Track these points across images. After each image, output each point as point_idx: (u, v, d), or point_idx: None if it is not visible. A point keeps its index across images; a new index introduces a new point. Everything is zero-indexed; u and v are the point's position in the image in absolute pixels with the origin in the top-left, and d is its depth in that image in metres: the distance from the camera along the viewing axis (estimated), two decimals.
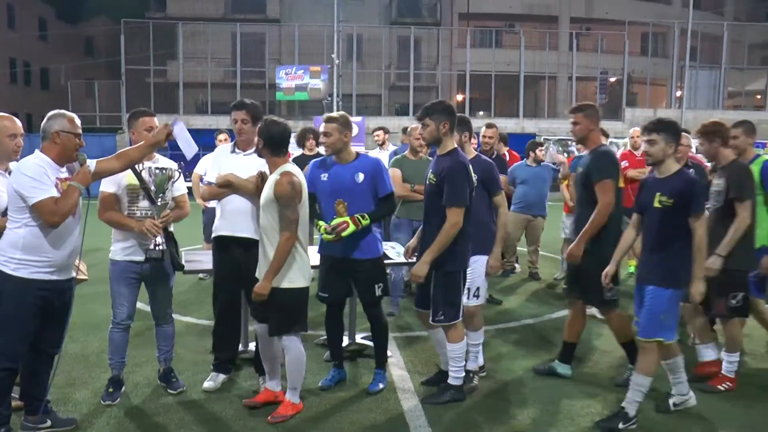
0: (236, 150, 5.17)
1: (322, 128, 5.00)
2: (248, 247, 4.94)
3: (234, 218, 5.03)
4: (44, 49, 40.31)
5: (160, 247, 4.78)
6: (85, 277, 5.03)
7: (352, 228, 4.83)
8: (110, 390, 4.98)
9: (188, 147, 4.58)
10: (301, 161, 8.15)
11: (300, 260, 4.58)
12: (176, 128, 4.51)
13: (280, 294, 4.51)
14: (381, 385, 5.21)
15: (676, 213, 4.33)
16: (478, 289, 5.25)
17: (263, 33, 32.20)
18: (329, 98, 28.34)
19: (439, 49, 34.00)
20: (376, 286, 5.08)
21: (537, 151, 9.23)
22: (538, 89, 34.22)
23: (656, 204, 4.41)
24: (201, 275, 8.67)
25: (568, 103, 31.38)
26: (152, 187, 4.78)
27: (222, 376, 5.29)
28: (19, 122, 4.57)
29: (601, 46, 33.14)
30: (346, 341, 5.90)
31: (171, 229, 4.99)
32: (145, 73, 30.02)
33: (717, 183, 5.14)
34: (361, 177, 4.91)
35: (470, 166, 4.79)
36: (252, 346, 5.70)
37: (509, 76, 30.82)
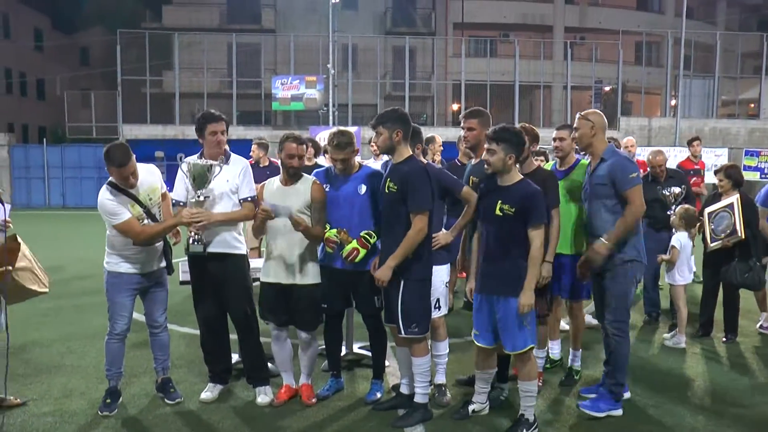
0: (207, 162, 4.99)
1: (333, 155, 4.95)
2: (224, 260, 5.02)
3: (209, 235, 4.95)
4: (40, 60, 40.35)
5: (199, 241, 4.85)
6: (46, 290, 5.04)
7: (363, 253, 4.82)
8: (108, 401, 4.98)
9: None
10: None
11: (317, 259, 5.07)
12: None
13: (311, 290, 5.00)
14: (378, 395, 5.21)
15: (517, 222, 4.38)
16: (438, 300, 5.12)
17: (259, 43, 32.11)
18: (325, 108, 28.23)
19: (434, 58, 33.88)
20: (376, 298, 5.04)
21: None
22: (534, 98, 34.35)
23: (497, 212, 4.44)
24: None
25: (564, 112, 31.44)
26: (191, 182, 4.79)
27: (219, 387, 5.30)
28: None
29: (596, 56, 33.07)
30: (343, 351, 5.91)
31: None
32: (142, 83, 29.84)
33: None
34: (363, 189, 4.93)
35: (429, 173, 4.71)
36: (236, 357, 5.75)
37: (504, 85, 30.66)
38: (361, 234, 4.82)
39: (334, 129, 5.14)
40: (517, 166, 4.61)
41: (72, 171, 26.27)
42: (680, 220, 6.67)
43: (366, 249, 4.82)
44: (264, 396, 5.15)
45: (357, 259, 4.79)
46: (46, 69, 39.11)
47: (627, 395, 5.18)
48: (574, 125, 5.07)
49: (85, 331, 6.71)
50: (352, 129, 25.60)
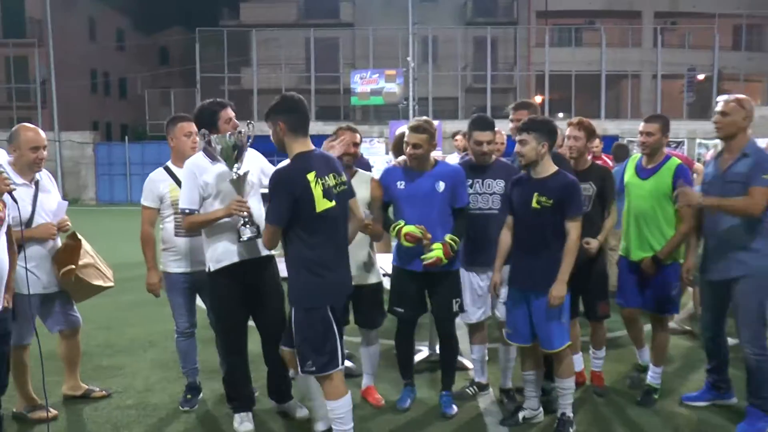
0: (219, 158, 4.33)
1: (409, 138, 4.67)
2: (259, 264, 4.45)
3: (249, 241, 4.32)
4: (122, 60, 41.42)
5: (250, 223, 4.21)
6: (111, 284, 5.08)
7: (444, 262, 4.56)
8: (188, 396, 5.00)
9: None
10: None
11: (375, 258, 4.96)
12: None
13: (374, 289, 4.90)
14: (454, 408, 4.87)
15: (555, 214, 4.27)
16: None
17: (337, 38, 32.35)
18: (405, 102, 28.17)
19: (517, 49, 33.26)
20: (454, 301, 4.81)
21: None
22: (621, 89, 33.20)
23: (534, 205, 4.30)
24: None
25: (653, 103, 30.21)
26: (224, 160, 4.20)
27: (250, 414, 4.75)
28: (43, 134, 4.63)
29: (688, 41, 31.79)
30: (426, 353, 5.91)
31: None
32: (220, 80, 30.43)
33: (584, 187, 4.81)
34: (441, 186, 4.64)
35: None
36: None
37: (590, 75, 29.98)
38: (447, 239, 4.57)
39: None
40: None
41: (153, 167, 25.90)
42: None
43: (449, 257, 4.57)
44: (303, 409, 4.75)
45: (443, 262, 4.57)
46: (128, 69, 40.03)
47: (734, 400, 4.90)
48: (722, 109, 4.49)
49: (167, 325, 6.45)
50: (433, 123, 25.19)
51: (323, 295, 3.84)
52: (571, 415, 4.45)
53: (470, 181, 4.80)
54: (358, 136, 4.81)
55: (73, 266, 4.70)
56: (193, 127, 4.66)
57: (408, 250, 4.61)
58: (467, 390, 5.15)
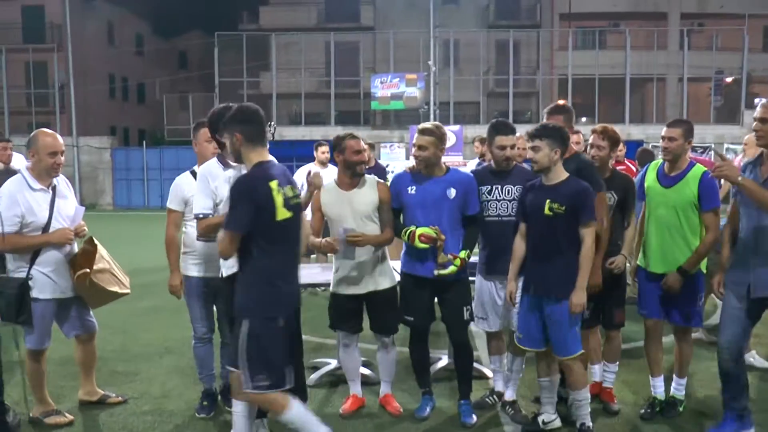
0: (232, 164, 4.45)
1: (416, 140, 4.72)
2: None
3: None
4: (140, 65, 41.46)
5: None
6: (128, 291, 5.07)
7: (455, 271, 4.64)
8: (204, 403, 5.02)
9: None
10: None
11: (388, 261, 4.94)
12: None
13: (388, 294, 4.86)
14: (474, 418, 4.83)
15: (568, 220, 4.28)
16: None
17: (357, 41, 32.28)
18: (426, 107, 27.91)
19: (539, 52, 32.97)
20: (464, 309, 4.81)
21: None
22: (646, 92, 32.77)
23: (547, 211, 4.31)
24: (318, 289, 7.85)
25: (679, 107, 29.75)
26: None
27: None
28: (61, 140, 4.67)
29: (716, 43, 31.23)
30: (446, 361, 5.83)
31: None
32: (239, 85, 30.36)
33: (606, 196, 4.83)
34: (453, 193, 4.66)
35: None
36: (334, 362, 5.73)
37: (614, 79, 29.62)
38: (462, 255, 4.62)
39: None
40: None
41: (170, 173, 26.76)
42: None
43: (461, 265, 4.65)
44: None
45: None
46: (146, 73, 40.15)
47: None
48: (762, 115, 4.20)
49: (183, 332, 6.42)
50: (454, 128, 24.90)
51: (279, 306, 3.82)
52: (591, 425, 4.45)
53: (489, 187, 4.79)
54: (361, 142, 4.82)
55: (88, 270, 4.71)
56: None
57: (417, 255, 4.63)
58: (487, 399, 5.12)
